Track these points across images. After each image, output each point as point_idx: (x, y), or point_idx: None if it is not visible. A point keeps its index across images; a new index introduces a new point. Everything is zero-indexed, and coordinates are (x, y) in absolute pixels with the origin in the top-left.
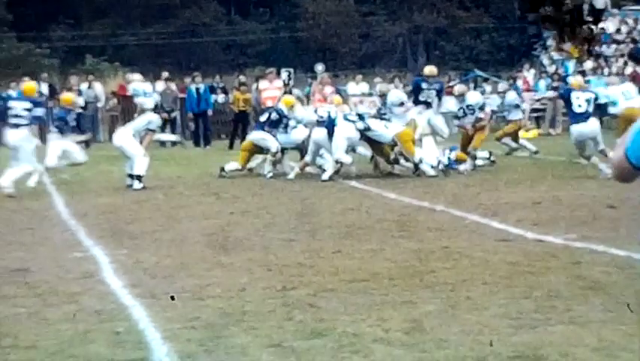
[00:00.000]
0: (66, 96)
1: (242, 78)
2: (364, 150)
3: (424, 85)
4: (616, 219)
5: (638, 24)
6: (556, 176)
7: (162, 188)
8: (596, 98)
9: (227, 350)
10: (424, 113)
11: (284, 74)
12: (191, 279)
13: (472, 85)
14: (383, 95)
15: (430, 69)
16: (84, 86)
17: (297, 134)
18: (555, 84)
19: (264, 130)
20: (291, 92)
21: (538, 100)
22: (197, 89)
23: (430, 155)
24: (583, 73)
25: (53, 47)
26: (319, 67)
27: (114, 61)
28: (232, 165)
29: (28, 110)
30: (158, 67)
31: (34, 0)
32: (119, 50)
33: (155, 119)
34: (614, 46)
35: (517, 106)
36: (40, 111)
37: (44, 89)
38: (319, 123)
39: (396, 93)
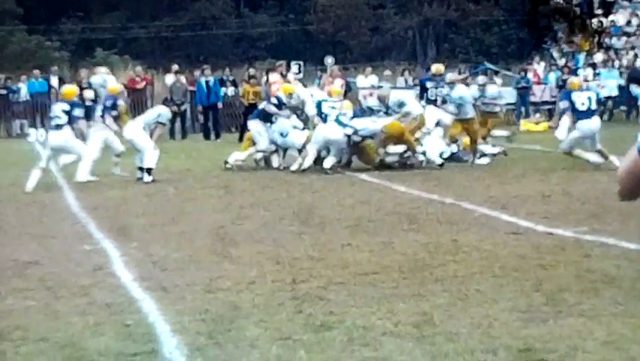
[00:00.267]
0: (69, 89)
1: (251, 71)
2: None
3: (428, 84)
4: (626, 212)
5: None
6: (567, 169)
7: (172, 181)
8: (597, 97)
9: (236, 342)
10: (434, 112)
11: (294, 67)
12: (200, 272)
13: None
14: (383, 101)
15: (436, 67)
16: (94, 79)
17: (297, 138)
18: (565, 77)
19: (260, 119)
20: (289, 82)
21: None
22: (207, 82)
23: (433, 149)
24: (593, 65)
25: (63, 40)
26: (329, 60)
27: (124, 54)
28: (235, 156)
29: (67, 112)
30: (167, 60)
31: None
32: (129, 43)
33: (165, 112)
34: (624, 38)
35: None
36: (79, 112)
37: (54, 82)
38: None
39: (395, 95)
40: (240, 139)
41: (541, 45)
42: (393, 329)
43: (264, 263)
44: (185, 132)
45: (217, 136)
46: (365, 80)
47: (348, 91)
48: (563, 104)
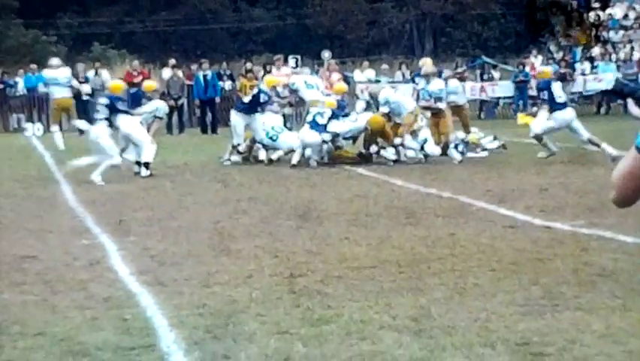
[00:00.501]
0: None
1: (249, 65)
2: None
3: (417, 79)
4: None
5: None
6: (564, 162)
7: (169, 175)
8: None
9: (234, 337)
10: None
11: (291, 61)
12: (198, 266)
13: (478, 72)
14: (375, 97)
15: (423, 61)
16: (91, 73)
17: (288, 139)
18: (562, 70)
19: (242, 112)
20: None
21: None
22: (205, 76)
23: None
24: (591, 59)
25: (60, 34)
26: (326, 54)
27: (121, 48)
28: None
29: (106, 105)
30: (165, 54)
31: None
32: (126, 38)
33: (162, 106)
34: (621, 32)
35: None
36: (121, 105)
37: None
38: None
39: (385, 93)
40: None
41: (538, 39)
42: (391, 322)
43: (261, 257)
44: (183, 127)
45: (214, 130)
46: (362, 74)
47: (347, 85)
48: (543, 95)
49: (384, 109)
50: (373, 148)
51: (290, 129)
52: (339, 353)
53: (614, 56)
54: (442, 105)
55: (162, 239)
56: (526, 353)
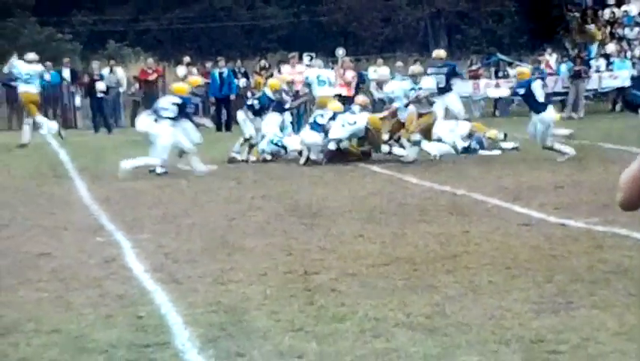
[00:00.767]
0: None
1: (263, 63)
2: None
3: (429, 70)
4: None
5: None
6: (579, 160)
7: (184, 173)
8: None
9: (248, 334)
10: (438, 101)
11: (305, 58)
12: (212, 264)
13: (493, 69)
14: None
15: (436, 52)
16: (106, 71)
17: (291, 143)
18: (577, 68)
19: (249, 111)
20: (272, 75)
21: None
22: (221, 74)
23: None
24: (606, 56)
25: (75, 32)
26: (340, 51)
27: (136, 46)
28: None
29: (177, 105)
30: (179, 52)
31: None
32: (141, 35)
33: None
34: (637, 29)
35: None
36: (189, 108)
37: (66, 74)
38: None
39: (391, 86)
40: None
41: (553, 36)
42: (405, 320)
43: (275, 255)
44: (197, 124)
45: (228, 128)
46: (374, 73)
47: (361, 83)
48: (520, 91)
49: (396, 104)
50: (385, 148)
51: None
52: (353, 350)
53: (629, 53)
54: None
55: (176, 236)
56: (540, 351)
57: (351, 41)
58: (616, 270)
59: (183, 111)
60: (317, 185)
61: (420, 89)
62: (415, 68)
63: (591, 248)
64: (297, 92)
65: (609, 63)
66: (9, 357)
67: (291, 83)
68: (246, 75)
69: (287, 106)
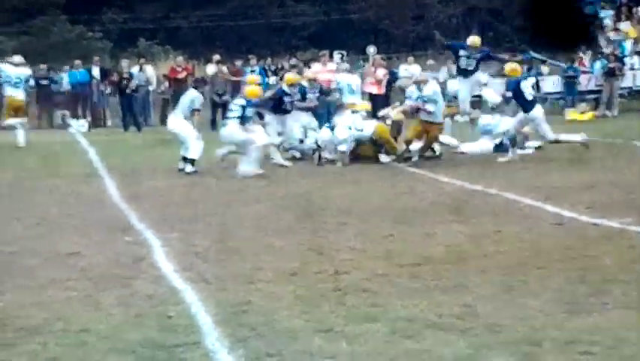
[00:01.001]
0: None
1: (293, 61)
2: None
3: (462, 52)
4: None
5: None
6: (612, 158)
7: (214, 171)
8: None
9: (278, 334)
10: (463, 85)
11: (336, 57)
12: (242, 263)
13: (526, 67)
14: (403, 90)
15: (471, 40)
16: (135, 69)
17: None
18: (611, 65)
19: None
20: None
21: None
22: (252, 72)
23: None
24: None
25: (106, 30)
26: (371, 49)
27: (166, 44)
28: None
29: (243, 107)
30: (209, 50)
31: None
32: (171, 33)
33: (196, 97)
34: None
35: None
36: (249, 111)
37: (96, 72)
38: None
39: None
40: None
41: (587, 33)
42: (436, 320)
43: (305, 254)
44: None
45: None
46: (405, 71)
47: (393, 81)
48: (508, 94)
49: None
50: (384, 158)
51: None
52: (384, 351)
53: None
54: (430, 108)
55: (206, 236)
56: (573, 352)
57: (382, 39)
58: None
59: (244, 114)
60: (348, 184)
61: (422, 96)
62: (421, 76)
63: (625, 248)
64: (322, 88)
65: None
66: (38, 357)
67: (313, 81)
68: (275, 73)
69: (300, 105)
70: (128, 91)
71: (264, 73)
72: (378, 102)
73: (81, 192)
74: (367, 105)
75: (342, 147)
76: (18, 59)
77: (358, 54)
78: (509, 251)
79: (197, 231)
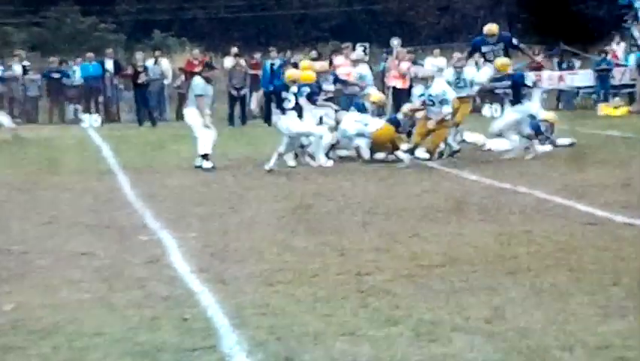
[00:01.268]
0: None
1: (314, 53)
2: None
3: (484, 48)
4: None
5: None
6: None
7: (231, 169)
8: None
9: (298, 337)
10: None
11: (359, 49)
12: (261, 264)
13: (556, 60)
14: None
15: (488, 28)
16: (150, 62)
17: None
18: None
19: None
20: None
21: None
22: (272, 65)
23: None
24: None
25: (119, 22)
26: (395, 41)
27: (181, 36)
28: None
29: (295, 94)
30: (226, 42)
31: None
32: (187, 25)
33: (197, 82)
34: None
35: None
36: (315, 96)
37: (109, 65)
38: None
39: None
40: None
41: (621, 24)
42: (463, 324)
43: (327, 255)
44: (245, 118)
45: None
46: (433, 62)
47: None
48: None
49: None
50: (380, 155)
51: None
52: (408, 355)
53: None
54: (447, 110)
55: (223, 235)
56: (606, 357)
57: (406, 31)
58: None
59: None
60: (370, 182)
61: (429, 95)
62: (427, 71)
63: None
64: (344, 81)
65: None
66: (50, 360)
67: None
68: (296, 66)
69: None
70: (139, 82)
71: (284, 66)
72: (402, 97)
73: (94, 190)
74: (381, 97)
75: (360, 142)
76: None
77: (382, 47)
78: (539, 252)
79: (214, 230)
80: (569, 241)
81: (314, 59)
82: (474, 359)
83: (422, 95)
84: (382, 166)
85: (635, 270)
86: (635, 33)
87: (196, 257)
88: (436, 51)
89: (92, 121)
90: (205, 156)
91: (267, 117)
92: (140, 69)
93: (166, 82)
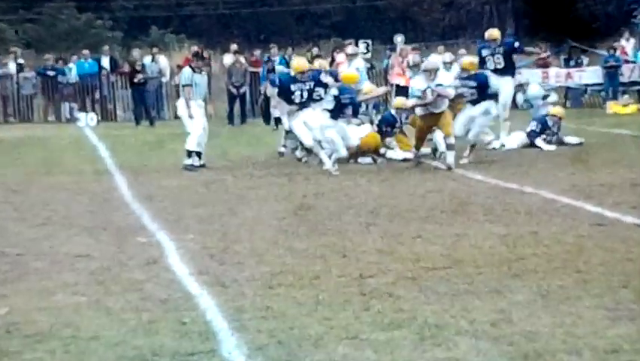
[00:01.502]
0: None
1: (315, 50)
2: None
3: (484, 52)
4: None
5: None
6: None
7: (231, 169)
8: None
9: (300, 341)
10: (502, 85)
11: (361, 46)
12: (261, 266)
13: (562, 57)
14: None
15: (489, 33)
16: (147, 59)
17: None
18: None
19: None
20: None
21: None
22: (272, 62)
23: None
24: None
25: (115, 18)
26: (398, 38)
27: (180, 33)
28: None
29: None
30: (226, 39)
31: None
32: (185, 21)
33: (184, 72)
34: None
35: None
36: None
37: (105, 62)
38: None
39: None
40: None
41: (630, 20)
42: (468, 327)
43: (328, 257)
44: (245, 117)
45: (278, 121)
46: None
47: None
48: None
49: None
50: (365, 159)
51: None
52: (412, 359)
53: None
54: (451, 91)
55: (223, 237)
56: None
57: (410, 27)
58: None
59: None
60: (373, 182)
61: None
62: (429, 64)
63: None
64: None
65: None
66: None
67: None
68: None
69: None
70: (135, 81)
71: (284, 64)
72: (404, 95)
73: (90, 191)
74: (372, 87)
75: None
76: None
77: (385, 43)
78: (546, 254)
79: (213, 232)
80: (576, 243)
81: (315, 57)
82: None
83: (429, 87)
84: (385, 166)
85: None
86: None
87: (195, 259)
88: (441, 48)
89: (88, 120)
90: (189, 153)
91: (266, 116)
92: (138, 67)
93: (164, 80)
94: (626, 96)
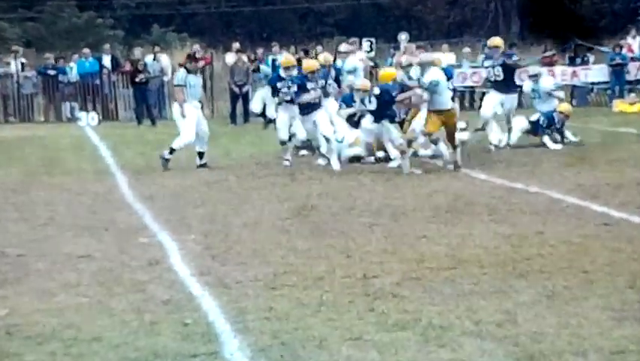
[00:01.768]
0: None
1: (319, 49)
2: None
3: (486, 63)
4: None
5: None
6: None
7: (233, 168)
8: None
9: (303, 343)
10: (489, 98)
11: (365, 44)
12: (264, 266)
13: (567, 55)
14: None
15: (491, 41)
16: (149, 58)
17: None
18: None
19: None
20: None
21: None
22: (274, 61)
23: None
24: None
25: (117, 17)
26: (403, 36)
27: (182, 31)
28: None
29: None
30: (228, 37)
31: None
32: (187, 20)
33: (178, 73)
34: None
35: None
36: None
37: (106, 61)
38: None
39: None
40: None
41: (636, 18)
42: (473, 328)
43: (332, 257)
44: (248, 116)
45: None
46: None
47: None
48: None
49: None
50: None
51: None
52: (416, 360)
53: None
54: (426, 95)
55: (225, 237)
56: None
57: (414, 25)
58: None
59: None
60: (377, 182)
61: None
62: (425, 57)
63: None
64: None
65: None
66: None
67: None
68: (299, 62)
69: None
70: (137, 80)
71: (268, 64)
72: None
73: (92, 191)
74: (366, 83)
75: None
76: None
77: (389, 42)
78: (552, 254)
79: (215, 232)
80: (582, 243)
81: (317, 55)
82: None
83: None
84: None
85: None
86: None
87: (197, 260)
88: (445, 46)
89: (89, 119)
90: (172, 150)
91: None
92: (140, 67)
93: (166, 79)
94: (633, 94)
